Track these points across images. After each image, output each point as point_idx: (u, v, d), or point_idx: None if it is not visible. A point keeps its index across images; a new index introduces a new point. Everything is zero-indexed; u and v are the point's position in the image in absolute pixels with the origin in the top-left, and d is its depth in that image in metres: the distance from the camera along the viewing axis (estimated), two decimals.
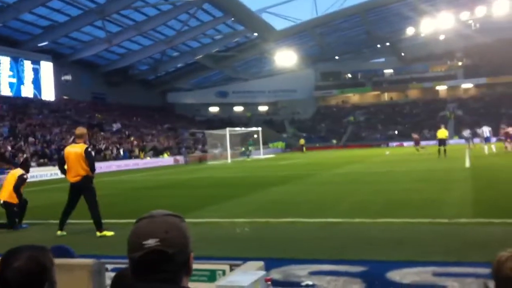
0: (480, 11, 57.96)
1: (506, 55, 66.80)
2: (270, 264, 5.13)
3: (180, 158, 43.97)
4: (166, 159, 42.41)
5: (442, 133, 28.49)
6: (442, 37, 66.66)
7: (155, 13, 44.61)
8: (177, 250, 1.41)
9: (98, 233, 8.79)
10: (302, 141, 58.13)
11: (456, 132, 61.26)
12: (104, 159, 37.83)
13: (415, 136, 40.05)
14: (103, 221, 9.11)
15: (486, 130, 32.25)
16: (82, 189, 9.05)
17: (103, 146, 39.90)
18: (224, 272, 4.11)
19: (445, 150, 27.42)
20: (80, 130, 9.40)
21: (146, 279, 1.41)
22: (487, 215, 8.50)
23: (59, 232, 9.08)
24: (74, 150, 9.09)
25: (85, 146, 9.03)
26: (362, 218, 8.91)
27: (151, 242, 1.39)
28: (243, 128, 48.06)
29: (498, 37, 67.96)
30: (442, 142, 28.25)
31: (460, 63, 73.06)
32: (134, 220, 1.51)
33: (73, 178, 9.00)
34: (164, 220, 1.45)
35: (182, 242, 1.43)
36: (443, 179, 15.40)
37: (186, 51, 56.26)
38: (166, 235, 1.40)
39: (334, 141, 63.80)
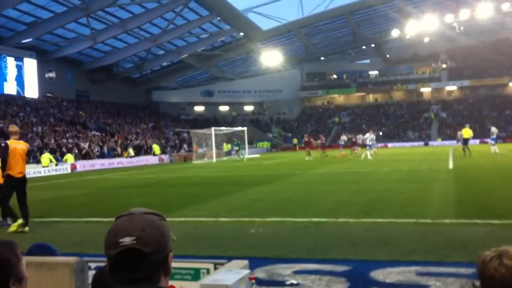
0: (464, 14, 58.60)
1: (489, 57, 67.71)
2: (255, 263, 5.13)
3: (165, 157, 43.80)
4: (151, 158, 42.20)
5: (467, 132, 28.68)
6: (426, 39, 67.27)
7: (141, 11, 44.29)
8: (153, 249, 1.37)
9: (14, 228, 8.95)
10: (295, 141, 61.91)
11: (440, 134, 61.93)
12: (88, 157, 37.56)
13: (322, 139, 39.13)
14: (84, 219, 9.05)
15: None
16: (24, 184, 9.26)
17: (86, 145, 39.56)
18: (208, 271, 4.10)
19: (468, 149, 27.67)
20: (15, 127, 9.64)
21: (122, 277, 1.38)
22: (469, 215, 8.60)
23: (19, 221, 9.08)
24: (21, 146, 9.23)
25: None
26: (346, 217, 8.95)
27: (127, 240, 1.36)
28: (228, 128, 47.98)
29: (481, 39, 68.86)
30: (466, 141, 28.55)
31: (444, 65, 73.77)
32: (113, 219, 1.50)
33: (20, 173, 9.15)
34: (142, 218, 1.42)
35: (159, 241, 1.40)
36: (426, 179, 15.54)
37: (171, 50, 55.99)
38: (142, 234, 1.38)
39: (318, 142, 63.95)
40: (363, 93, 76.54)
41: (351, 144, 38.16)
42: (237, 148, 41.90)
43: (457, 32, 64.29)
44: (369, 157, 30.46)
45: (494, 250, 1.76)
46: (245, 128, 46.63)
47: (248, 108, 77.19)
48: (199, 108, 74.61)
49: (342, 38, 67.76)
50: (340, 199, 11.90)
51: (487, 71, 67.27)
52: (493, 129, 32.20)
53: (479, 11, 57.34)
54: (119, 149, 42.04)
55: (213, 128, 41.66)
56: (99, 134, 44.90)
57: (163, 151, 45.52)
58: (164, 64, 61.44)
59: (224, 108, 75.73)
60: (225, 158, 43.16)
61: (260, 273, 5.33)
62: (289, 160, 34.14)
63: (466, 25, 62.78)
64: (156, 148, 44.11)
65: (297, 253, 6.38)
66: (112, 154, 40.29)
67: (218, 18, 49.06)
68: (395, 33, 62.70)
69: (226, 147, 49.52)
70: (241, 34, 55.62)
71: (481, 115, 63.84)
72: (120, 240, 1.37)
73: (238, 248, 6.87)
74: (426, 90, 73.59)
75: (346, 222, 8.55)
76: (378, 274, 5.19)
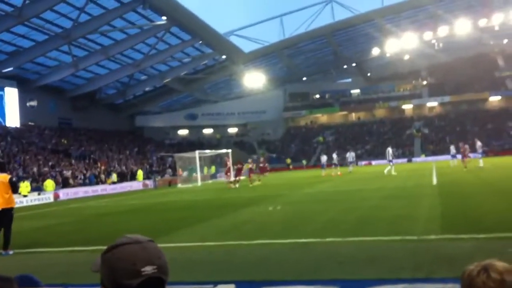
0: (443, 31, 59.80)
1: (468, 73, 68.90)
2: (242, 287, 5.06)
3: (149, 182, 43.49)
4: (135, 184, 41.85)
5: None
6: (407, 56, 68.39)
7: (122, 37, 44.46)
8: (168, 276, 1.40)
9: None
10: (288, 161, 63.67)
11: (423, 150, 62.49)
12: (70, 185, 37.14)
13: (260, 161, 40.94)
14: (69, 248, 8.91)
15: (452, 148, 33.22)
16: (4, 215, 10.20)
17: (69, 173, 39.13)
18: None
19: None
20: None
21: None
22: (455, 230, 8.62)
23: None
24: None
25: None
26: (333, 237, 8.92)
27: (148, 269, 1.35)
28: (213, 151, 47.86)
29: (460, 55, 70.13)
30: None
31: (424, 82, 74.90)
32: (101, 247, 1.47)
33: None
34: (153, 247, 1.43)
35: (168, 267, 1.42)
36: (412, 196, 15.61)
37: (154, 75, 56.14)
38: (160, 262, 1.39)
39: (304, 162, 64.17)
40: (346, 112, 77.20)
41: (331, 163, 38.12)
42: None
43: (436, 49, 65.52)
44: (393, 172, 30.20)
45: (477, 264, 1.76)
46: (229, 150, 46.53)
47: (233, 130, 77.30)
48: (183, 132, 74.52)
49: (324, 58, 68.64)
50: (328, 218, 11.87)
51: (467, 86, 68.38)
52: (479, 143, 32.79)
53: (457, 27, 58.61)
54: (102, 176, 41.66)
55: (197, 152, 41.55)
56: (82, 161, 44.50)
57: (147, 176, 45.24)
58: (147, 89, 61.53)
59: (208, 131, 75.74)
60: (210, 181, 42.95)
61: None
62: (275, 182, 34.08)
63: (444, 41, 64.02)
64: (140, 173, 43.80)
65: (286, 275, 6.32)
66: (94, 181, 39.87)
67: (200, 42, 49.41)
68: (375, 51, 63.69)
69: (212, 170, 49.37)
70: (224, 57, 56.03)
71: (463, 130, 64.64)
72: (142, 270, 1.35)
73: (225, 272, 6.79)
74: (408, 107, 74.49)
75: (334, 242, 8.52)
76: None
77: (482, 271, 1.71)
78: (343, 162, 40.48)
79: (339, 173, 35.95)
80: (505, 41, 70.01)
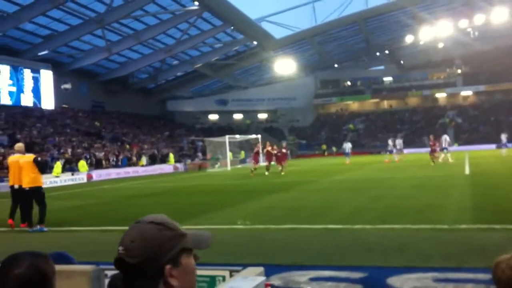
0: (479, 19, 58.14)
1: (505, 62, 66.95)
2: (270, 270, 5.11)
3: (180, 166, 43.93)
4: (166, 167, 42.39)
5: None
6: (441, 45, 66.83)
7: (155, 22, 44.71)
8: (139, 260, 1.34)
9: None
10: (324, 146, 64.22)
11: (456, 139, 61.31)
12: (103, 166, 37.87)
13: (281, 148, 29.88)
14: (100, 228, 9.14)
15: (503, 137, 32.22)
16: (26, 195, 10.87)
17: (102, 154, 39.88)
18: (224, 278, 4.10)
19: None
20: (18, 145, 11.72)
21: (126, 284, 1.39)
22: (486, 221, 8.49)
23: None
24: (23, 159, 10.89)
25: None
26: (362, 224, 8.89)
27: (119, 249, 1.37)
28: (242, 136, 48.01)
29: (496, 44, 68.14)
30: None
31: (459, 71, 73.18)
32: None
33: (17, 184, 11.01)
34: (139, 228, 1.40)
35: (147, 252, 1.35)
36: (442, 185, 15.40)
37: (185, 60, 56.37)
38: (131, 245, 1.36)
39: (334, 149, 63.81)
40: (377, 100, 76.20)
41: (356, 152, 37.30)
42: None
43: (471, 38, 63.79)
44: (450, 160, 28.89)
45: (507, 255, 1.75)
46: (259, 136, 46.65)
47: (262, 116, 77.27)
48: (213, 117, 74.88)
49: (356, 45, 67.67)
50: (357, 205, 11.82)
51: (503, 76, 66.53)
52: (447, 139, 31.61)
53: (494, 16, 56.89)
54: (134, 158, 42.35)
55: (227, 136, 41.73)
56: (114, 144, 45.27)
57: (178, 160, 45.70)
58: (179, 74, 61.88)
59: (238, 116, 75.90)
60: (239, 166, 43.16)
61: (276, 280, 5.31)
62: (304, 168, 34.01)
63: (480, 30, 62.28)
64: (171, 157, 44.32)
65: (313, 260, 6.35)
66: (127, 163, 40.58)
67: (232, 27, 49.31)
68: (408, 39, 62.44)
69: (241, 155, 49.54)
70: (255, 43, 55.82)
71: (497, 120, 63.10)
72: (118, 248, 1.38)
73: (253, 255, 6.86)
74: (441, 96, 73.04)
75: (362, 229, 8.49)
76: (395, 281, 5.14)
77: (506, 260, 1.72)
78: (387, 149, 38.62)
79: (396, 159, 35.03)
80: None
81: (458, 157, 33.09)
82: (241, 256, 6.76)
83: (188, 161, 46.88)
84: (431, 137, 30.15)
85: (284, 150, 29.02)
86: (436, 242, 7.06)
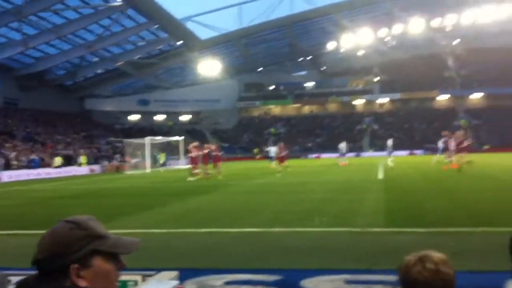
0: (397, 28, 61.19)
1: (420, 71, 70.87)
2: (186, 274, 5.03)
3: (96, 167, 42.55)
4: (81, 168, 40.79)
5: None
6: (361, 52, 69.55)
7: (76, 16, 43.04)
8: (44, 256, 1.36)
9: None
10: (256, 150, 63.32)
11: (371, 145, 63.91)
12: (12, 167, 35.90)
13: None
14: (7, 232, 8.60)
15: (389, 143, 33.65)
16: None
17: (13, 155, 37.78)
18: (136, 283, 3.97)
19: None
20: None
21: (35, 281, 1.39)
22: (397, 224, 8.87)
23: None
24: None
25: None
26: (280, 227, 8.99)
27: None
28: (164, 138, 47.25)
29: (413, 54, 71.98)
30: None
31: (376, 79, 76.46)
32: (43, 231, 1.46)
33: None
34: (54, 226, 1.43)
35: (53, 249, 1.36)
36: (358, 190, 15.94)
37: (106, 57, 54.73)
38: (41, 240, 1.40)
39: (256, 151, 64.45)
40: (299, 105, 77.91)
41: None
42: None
43: (389, 46, 66.99)
44: (390, 163, 30.16)
45: (414, 255, 1.80)
46: (181, 138, 46.15)
47: (185, 117, 76.57)
48: (134, 117, 73.17)
49: (280, 50, 68.85)
50: (277, 209, 11.95)
51: (418, 84, 70.29)
52: (389, 142, 33.38)
53: (411, 26, 60.11)
54: (47, 159, 40.45)
55: (148, 138, 40.93)
56: (27, 143, 43.03)
57: (95, 161, 44.24)
58: (99, 71, 59.97)
59: (160, 118, 74.71)
60: (160, 169, 42.45)
61: (191, 284, 5.23)
62: (224, 171, 33.99)
63: (398, 39, 65.56)
64: (83, 158, 42.61)
65: (231, 264, 6.33)
66: (39, 163, 38.63)
67: (156, 26, 48.52)
68: (331, 46, 64.48)
69: (161, 157, 48.78)
70: (180, 42, 55.27)
71: (411, 127, 66.51)
72: None
73: (170, 259, 6.73)
74: (359, 102, 75.92)
75: (280, 232, 8.59)
76: (308, 283, 5.22)
77: (418, 261, 1.76)
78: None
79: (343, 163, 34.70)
80: (456, 41, 72.43)
81: (372, 162, 34.45)
82: (157, 260, 6.60)
83: (106, 162, 45.50)
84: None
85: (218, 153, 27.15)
86: (350, 244, 7.28)
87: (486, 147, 55.45)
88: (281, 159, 29.04)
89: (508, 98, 66.88)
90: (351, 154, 58.61)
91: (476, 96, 70.38)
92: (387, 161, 31.35)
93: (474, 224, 8.53)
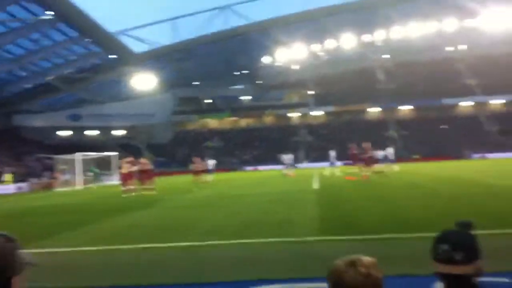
0: (330, 44, 63.13)
1: (352, 85, 73.29)
2: None
3: (24, 185, 40.73)
4: (7, 187, 38.88)
5: None
6: (296, 67, 71.06)
7: (3, 30, 41.28)
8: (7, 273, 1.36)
9: None
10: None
11: (307, 156, 65.07)
12: None
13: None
14: None
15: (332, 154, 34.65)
16: None
17: None
18: None
19: None
20: None
21: None
22: (332, 232, 9.04)
23: None
24: None
25: None
26: (217, 240, 8.94)
27: None
28: (97, 153, 45.91)
29: (345, 68, 74.34)
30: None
31: (311, 92, 78.19)
32: None
33: None
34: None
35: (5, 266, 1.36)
36: (294, 200, 16.14)
37: (36, 71, 52.82)
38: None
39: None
40: (236, 118, 78.25)
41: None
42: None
43: (323, 61, 68.89)
44: (337, 173, 31.42)
45: (344, 260, 1.82)
46: (116, 154, 45.07)
47: (119, 132, 74.93)
48: (65, 133, 70.76)
49: (216, 64, 69.11)
50: (213, 222, 11.87)
51: (350, 97, 72.50)
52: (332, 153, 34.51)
53: (343, 41, 62.23)
54: None
55: (78, 154, 39.67)
56: None
57: (23, 179, 42.37)
58: (27, 86, 57.70)
59: (93, 133, 72.68)
60: (93, 185, 41.18)
61: None
62: (159, 186, 33.50)
63: (331, 54, 67.57)
64: (8, 176, 40.69)
65: (166, 279, 6.21)
66: None
67: (89, 40, 47.41)
68: (267, 60, 65.47)
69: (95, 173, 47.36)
70: (113, 56, 54.24)
71: (343, 138, 68.28)
72: None
73: (102, 277, 6.52)
74: (294, 115, 77.26)
75: (217, 245, 8.54)
76: None
77: (349, 266, 1.78)
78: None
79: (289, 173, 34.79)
80: (386, 56, 75.52)
81: (308, 173, 35.06)
82: (89, 278, 6.38)
83: (35, 180, 43.65)
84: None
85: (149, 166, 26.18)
86: (286, 254, 7.34)
87: (415, 156, 57.79)
88: (197, 173, 29.11)
89: (435, 110, 70.35)
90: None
91: (405, 108, 73.40)
92: (333, 171, 32.12)
93: (403, 230, 8.84)
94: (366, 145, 28.05)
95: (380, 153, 34.07)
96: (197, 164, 29.21)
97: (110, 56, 54.14)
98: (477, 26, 65.33)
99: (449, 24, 65.27)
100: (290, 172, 35.65)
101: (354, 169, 29.61)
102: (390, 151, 35.06)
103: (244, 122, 78.99)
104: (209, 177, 34.79)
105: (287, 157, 36.79)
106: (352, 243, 7.97)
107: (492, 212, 10.54)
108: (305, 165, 60.53)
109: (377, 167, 28.47)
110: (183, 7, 73.22)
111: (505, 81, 67.69)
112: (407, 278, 5.41)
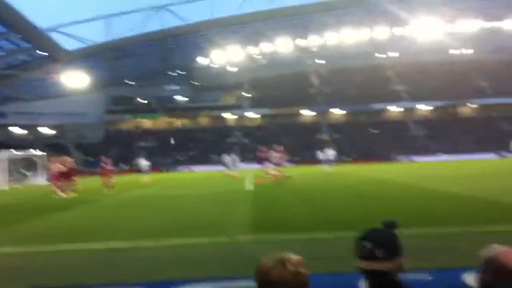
0: (266, 47, 63.92)
1: (287, 88, 74.44)
2: None
3: None
4: None
5: None
6: (233, 69, 71.26)
7: None
8: None
9: None
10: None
11: (242, 158, 65.26)
12: None
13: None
14: None
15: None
16: None
17: None
18: None
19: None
20: None
21: None
22: (264, 232, 9.12)
23: None
24: None
25: None
26: (146, 240, 8.80)
27: None
28: (24, 153, 43.90)
29: (281, 71, 75.37)
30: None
31: (247, 94, 78.52)
32: None
33: None
34: None
35: None
36: (228, 201, 16.14)
37: None
38: None
39: (126, 167, 62.51)
40: (171, 119, 77.34)
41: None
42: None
43: (259, 64, 69.57)
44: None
45: (271, 258, 1.83)
46: (44, 153, 43.31)
47: (48, 131, 72.03)
48: None
49: (152, 64, 68.07)
50: (143, 223, 11.66)
51: (285, 101, 73.48)
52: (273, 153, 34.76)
53: (279, 45, 63.20)
54: None
55: (4, 152, 37.81)
56: None
57: None
58: None
59: (19, 131, 69.43)
60: (19, 186, 39.31)
61: None
62: (93, 186, 32.53)
63: (268, 58, 68.35)
64: None
65: (91, 279, 6.05)
66: None
67: (18, 35, 45.35)
68: (204, 61, 65.20)
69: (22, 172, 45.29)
70: (43, 53, 52.17)
71: (278, 141, 69.07)
72: None
73: (22, 278, 6.25)
74: (230, 117, 77.35)
75: (147, 246, 8.38)
76: None
77: (278, 263, 1.78)
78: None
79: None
80: (320, 61, 77.36)
81: (244, 174, 35.23)
82: (8, 280, 6.10)
83: None
84: None
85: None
86: (216, 254, 7.32)
87: (347, 159, 59.36)
88: (105, 174, 26.52)
89: (366, 114, 72.71)
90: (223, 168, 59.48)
91: (338, 112, 75.30)
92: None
93: (332, 229, 9.05)
94: (279, 148, 29.18)
95: (321, 154, 35.16)
96: (106, 165, 27.03)
97: (39, 53, 52.06)
98: (407, 35, 68.32)
99: (381, 32, 67.81)
100: (233, 173, 35.73)
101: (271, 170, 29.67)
102: (330, 152, 36.02)
103: (179, 123, 78.19)
104: (146, 178, 34.31)
105: (229, 159, 36.84)
106: (282, 243, 8.06)
107: (416, 213, 11.01)
108: (241, 166, 60.61)
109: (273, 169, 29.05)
110: (118, 6, 71.67)
111: (433, 88, 71.11)
112: (334, 275, 5.52)
